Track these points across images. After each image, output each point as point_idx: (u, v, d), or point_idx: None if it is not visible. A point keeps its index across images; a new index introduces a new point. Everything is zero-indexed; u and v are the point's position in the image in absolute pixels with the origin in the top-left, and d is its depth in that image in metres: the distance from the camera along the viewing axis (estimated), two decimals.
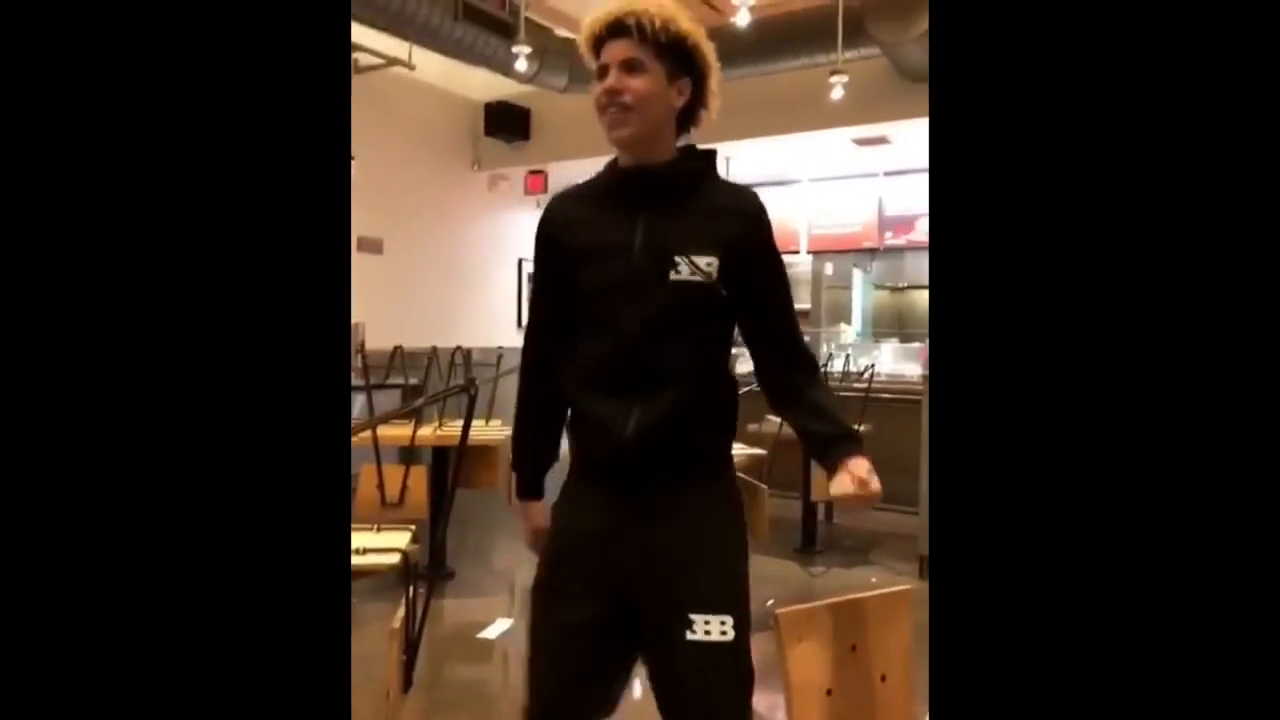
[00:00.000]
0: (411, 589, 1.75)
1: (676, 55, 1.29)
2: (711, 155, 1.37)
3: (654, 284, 1.26)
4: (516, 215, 7.98)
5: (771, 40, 5.40)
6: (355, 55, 5.72)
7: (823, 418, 1.31)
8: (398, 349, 4.61)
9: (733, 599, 1.26)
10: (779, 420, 4.73)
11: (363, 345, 5.49)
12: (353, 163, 5.90)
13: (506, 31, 5.22)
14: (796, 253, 7.64)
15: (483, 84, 6.63)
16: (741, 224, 1.30)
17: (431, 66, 6.07)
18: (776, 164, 7.26)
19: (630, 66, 1.27)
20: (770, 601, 3.60)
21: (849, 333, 7.27)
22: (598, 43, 1.29)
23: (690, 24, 1.29)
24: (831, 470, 1.27)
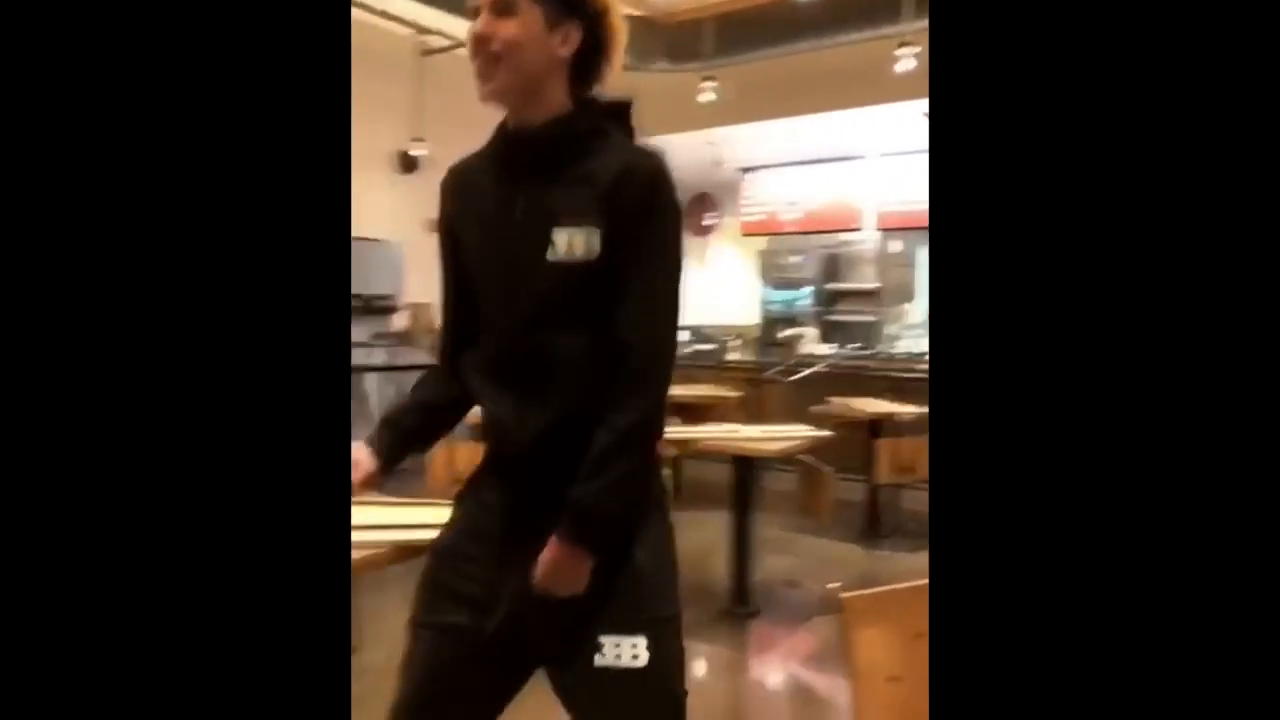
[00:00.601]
0: None
1: None
2: (617, 109, 1.18)
3: (532, 265, 1.10)
4: None
5: (835, 12, 5.29)
6: (423, 38, 5.79)
7: (588, 475, 1.08)
8: None
9: (648, 617, 1.11)
10: (842, 400, 4.69)
11: (431, 324, 5.60)
12: (424, 147, 5.99)
13: None
14: (858, 230, 7.50)
15: None
16: (621, 184, 1.08)
17: None
18: (842, 140, 7.12)
19: (500, 8, 1.08)
20: (835, 585, 3.57)
21: (913, 312, 7.12)
22: None
23: None
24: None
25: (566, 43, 1.11)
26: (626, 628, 1.10)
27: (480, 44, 1.09)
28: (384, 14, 5.32)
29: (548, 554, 1.08)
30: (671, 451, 3.96)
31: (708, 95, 5.26)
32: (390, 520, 1.57)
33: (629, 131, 1.18)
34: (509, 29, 1.08)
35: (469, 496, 1.23)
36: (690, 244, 9.65)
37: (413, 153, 6.19)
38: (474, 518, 1.20)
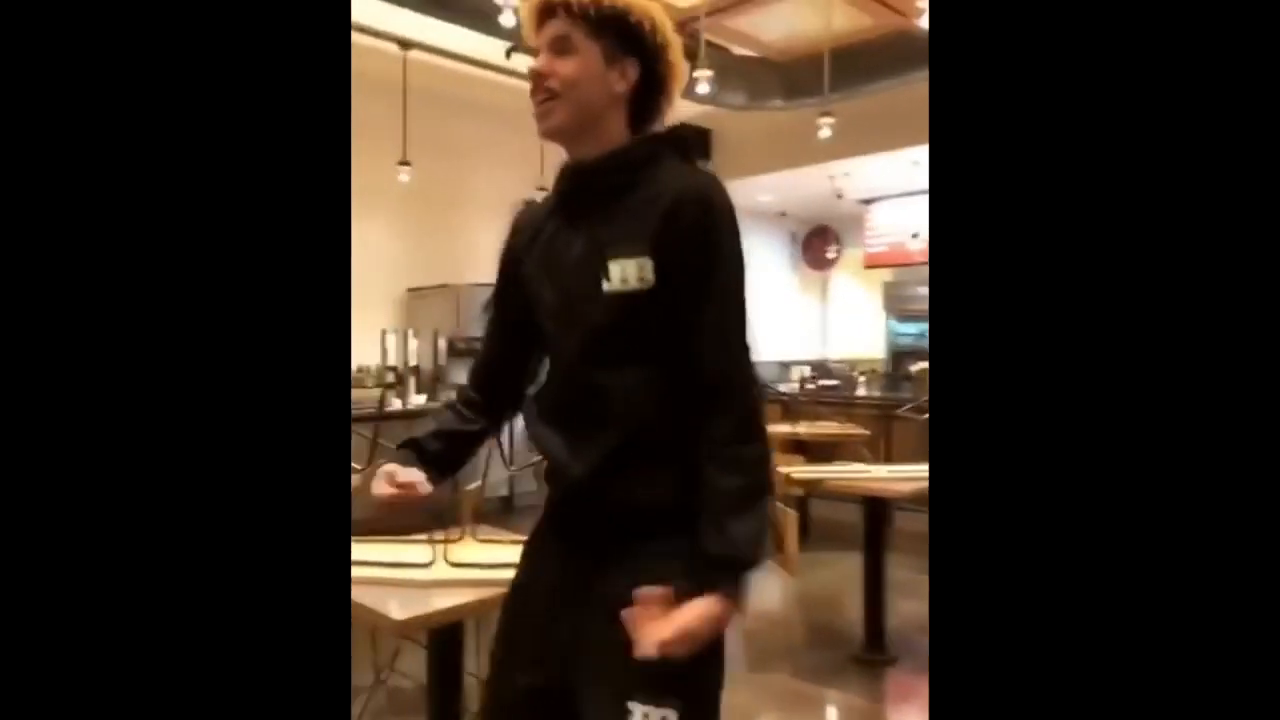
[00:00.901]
0: None
1: (617, 33, 1.09)
2: (672, 138, 1.16)
3: (589, 299, 1.08)
4: None
5: None
6: None
7: (712, 524, 1.01)
8: None
9: (679, 685, 1.02)
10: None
11: None
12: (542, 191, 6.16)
13: (687, 56, 5.30)
14: None
15: None
16: (675, 210, 1.05)
17: None
18: None
19: (559, 48, 1.09)
20: None
21: None
22: (537, 27, 1.12)
23: None
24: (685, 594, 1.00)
25: (624, 79, 1.11)
26: (659, 695, 1.02)
27: (539, 81, 1.09)
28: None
29: (702, 609, 0.99)
30: (798, 491, 3.87)
31: (825, 131, 5.22)
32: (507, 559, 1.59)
33: (687, 159, 1.16)
34: (567, 67, 1.08)
35: (531, 549, 1.20)
36: (811, 278, 9.53)
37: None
38: (533, 568, 1.18)
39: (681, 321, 1.06)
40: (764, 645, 3.44)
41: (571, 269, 1.11)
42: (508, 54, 5.13)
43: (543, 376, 1.21)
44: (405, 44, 5.49)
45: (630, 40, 1.10)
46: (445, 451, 1.21)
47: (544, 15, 1.10)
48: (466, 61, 5.75)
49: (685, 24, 5.56)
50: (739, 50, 5.94)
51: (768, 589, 3.99)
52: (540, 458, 1.16)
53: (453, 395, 1.28)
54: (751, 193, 7.86)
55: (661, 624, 0.97)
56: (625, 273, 1.05)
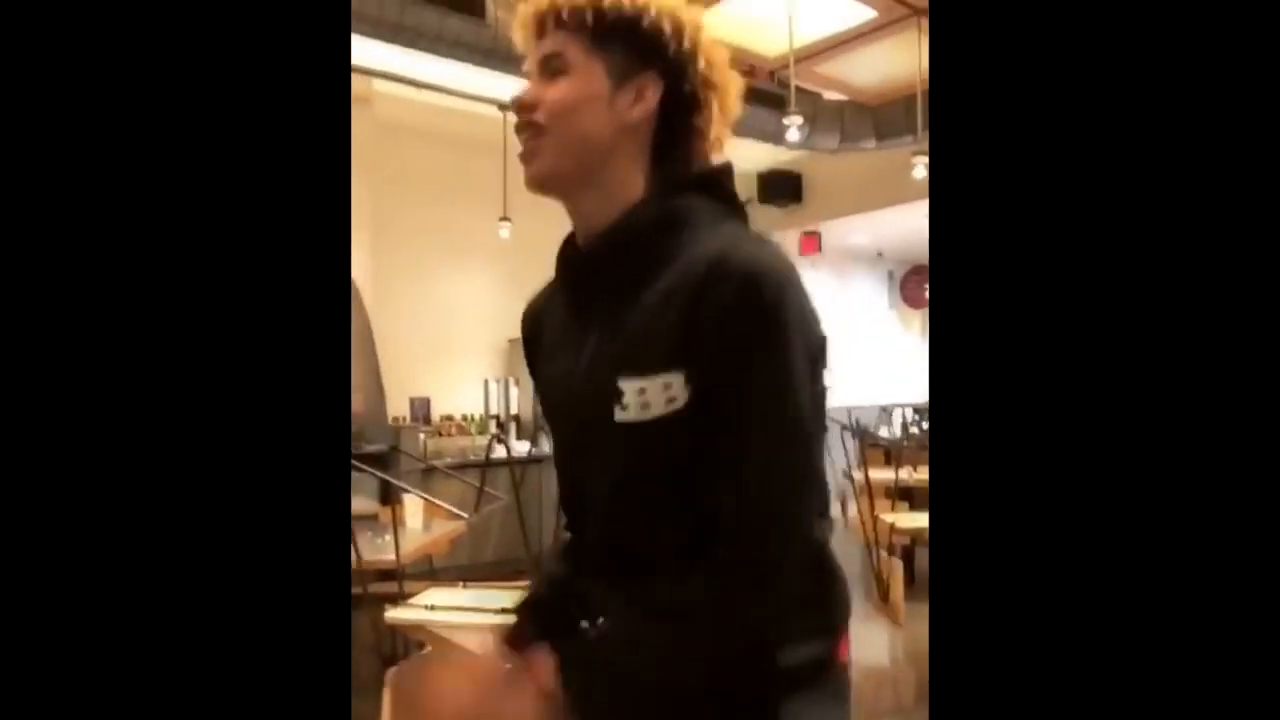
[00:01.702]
0: None
1: (627, 43, 0.79)
2: (707, 182, 0.84)
3: (600, 428, 0.78)
4: None
5: None
6: None
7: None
8: None
9: None
10: None
11: None
12: None
13: (777, 103, 5.34)
14: None
15: (754, 155, 6.81)
16: (707, 294, 0.73)
17: None
18: None
19: (548, 68, 0.80)
20: None
21: None
22: (533, 48, 0.83)
23: None
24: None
25: (642, 101, 0.80)
26: None
27: (522, 114, 0.81)
28: None
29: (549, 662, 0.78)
30: (903, 540, 3.75)
31: (920, 170, 5.15)
32: None
33: (734, 210, 0.84)
34: (557, 92, 0.79)
35: None
36: (911, 316, 9.31)
37: None
38: None
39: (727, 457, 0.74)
40: (874, 704, 3.32)
41: (581, 384, 0.80)
42: None
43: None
44: (505, 106, 5.72)
45: (648, 51, 0.80)
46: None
47: (538, 31, 0.81)
48: None
49: (775, 72, 5.62)
50: (830, 95, 5.94)
51: (875, 642, 3.85)
52: None
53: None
54: (846, 234, 7.78)
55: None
56: (646, 396, 0.75)
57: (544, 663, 0.78)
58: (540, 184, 0.82)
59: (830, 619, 0.82)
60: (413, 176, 5.90)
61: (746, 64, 5.58)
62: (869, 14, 4.96)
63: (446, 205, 6.02)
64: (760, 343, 0.73)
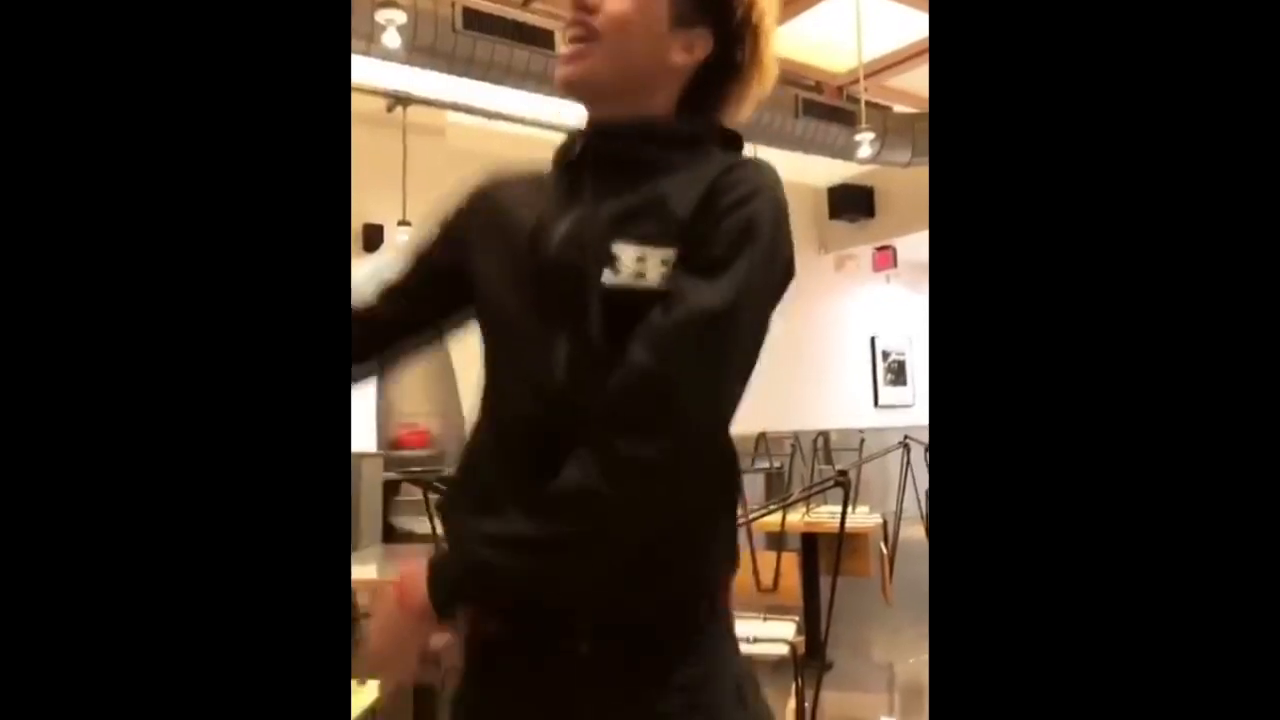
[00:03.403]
0: (799, 680, 1.74)
1: None
2: (731, 135, 0.86)
3: (582, 295, 0.75)
4: (865, 292, 7.90)
5: None
6: None
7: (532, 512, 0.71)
8: (762, 435, 4.71)
9: None
10: None
11: None
12: None
13: (847, 119, 5.30)
14: None
15: (824, 170, 6.76)
16: (713, 193, 0.75)
17: (771, 158, 6.33)
18: None
19: None
20: None
21: None
22: None
23: None
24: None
25: (689, 52, 0.82)
26: None
27: (579, 11, 0.81)
28: None
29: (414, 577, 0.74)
30: None
31: (864, 150, 5.08)
32: None
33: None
34: (620, 4, 0.80)
35: (477, 694, 0.81)
36: None
37: None
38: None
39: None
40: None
41: (554, 257, 0.77)
42: None
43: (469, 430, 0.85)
44: (553, 129, 5.82)
45: (711, 8, 0.82)
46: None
47: None
48: None
49: (844, 87, 5.58)
50: (900, 108, 5.87)
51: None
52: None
53: None
54: (919, 247, 7.65)
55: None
56: (644, 265, 0.74)
57: (413, 575, 0.74)
58: (575, 86, 0.83)
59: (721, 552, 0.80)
60: None
61: (814, 80, 5.56)
62: None
63: None
64: (751, 242, 0.74)
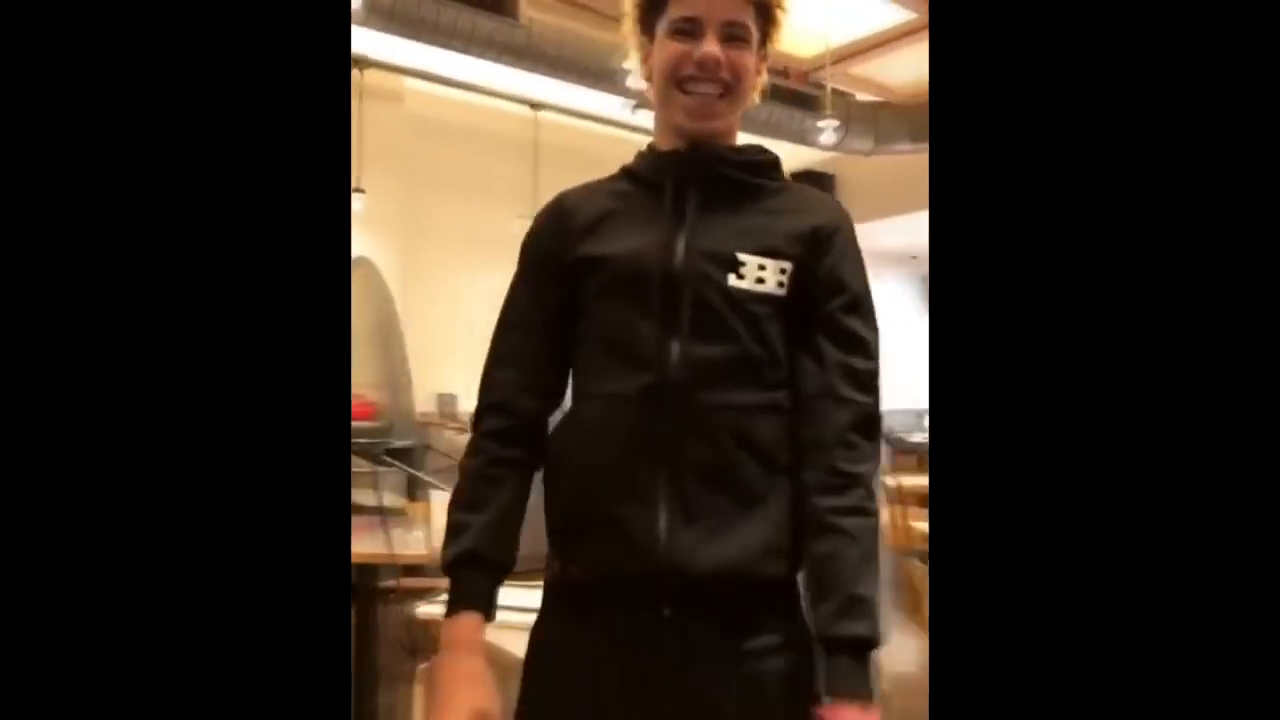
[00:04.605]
0: None
1: (766, 20, 0.95)
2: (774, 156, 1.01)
3: (704, 292, 0.88)
4: None
5: None
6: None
7: (832, 590, 0.83)
8: None
9: None
10: None
11: None
12: None
13: (811, 105, 5.29)
14: None
15: (785, 155, 6.74)
16: (821, 226, 0.92)
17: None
18: None
19: (730, 34, 0.92)
20: None
21: None
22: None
23: None
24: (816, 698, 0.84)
25: (760, 75, 0.98)
26: None
27: (712, 70, 0.91)
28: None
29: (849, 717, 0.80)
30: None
31: (828, 135, 5.13)
32: None
33: None
34: (744, 59, 0.93)
35: (559, 649, 0.91)
36: None
37: None
38: (576, 673, 0.89)
39: (811, 349, 0.90)
40: (903, 712, 3.27)
41: (686, 256, 0.89)
42: (634, 109, 5.27)
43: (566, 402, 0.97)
44: (536, 105, 5.74)
45: (768, 30, 0.96)
46: (512, 547, 0.94)
47: None
48: (593, 120, 5.94)
49: (809, 73, 5.57)
50: (863, 96, 5.88)
51: (904, 652, 3.80)
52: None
53: (482, 447, 0.96)
54: (878, 235, 7.69)
55: None
56: (764, 273, 0.88)
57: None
58: (711, 134, 0.95)
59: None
60: (443, 173, 5.93)
61: (781, 65, 5.55)
62: (907, 15, 4.90)
63: (476, 202, 6.03)
64: (859, 269, 0.94)
